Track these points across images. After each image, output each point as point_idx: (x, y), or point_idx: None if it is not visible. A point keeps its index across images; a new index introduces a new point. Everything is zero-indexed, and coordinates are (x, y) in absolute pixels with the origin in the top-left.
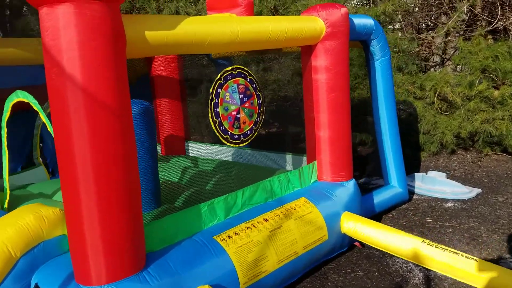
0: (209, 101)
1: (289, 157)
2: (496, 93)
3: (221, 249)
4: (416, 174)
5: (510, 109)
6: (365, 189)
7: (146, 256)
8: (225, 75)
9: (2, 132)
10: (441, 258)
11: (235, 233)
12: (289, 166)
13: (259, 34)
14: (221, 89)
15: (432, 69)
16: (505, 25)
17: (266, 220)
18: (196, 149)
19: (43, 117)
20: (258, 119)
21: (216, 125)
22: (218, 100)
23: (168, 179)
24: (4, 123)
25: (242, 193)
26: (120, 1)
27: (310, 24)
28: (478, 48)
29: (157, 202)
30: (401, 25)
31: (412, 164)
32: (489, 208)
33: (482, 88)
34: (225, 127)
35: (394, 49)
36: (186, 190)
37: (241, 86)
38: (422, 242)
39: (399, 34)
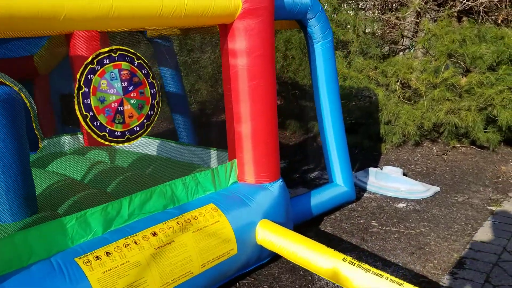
0: (76, 90)
1: (214, 153)
2: (463, 80)
3: (81, 274)
4: (370, 169)
5: (478, 98)
6: (315, 185)
7: None
8: (99, 58)
9: None
10: (361, 281)
11: (107, 252)
12: (214, 164)
13: (144, 9)
14: (94, 75)
15: (401, 53)
16: (473, 5)
17: (154, 234)
18: None
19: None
20: (152, 112)
21: (87, 120)
22: (89, 89)
23: (71, 177)
24: None
25: (130, 200)
26: None
27: None
28: (444, 31)
29: (29, 209)
30: (363, 5)
31: (371, 157)
32: (445, 210)
33: (448, 75)
34: (101, 122)
35: (354, 31)
36: (82, 192)
37: (125, 72)
38: (343, 260)
39: (356, 15)
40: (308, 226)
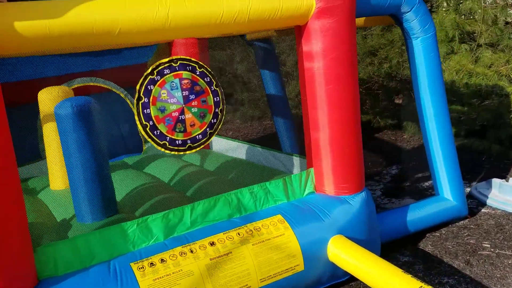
0: (135, 101)
1: (297, 160)
2: None
3: (133, 280)
4: (494, 180)
5: None
6: (426, 196)
7: (41, 282)
8: (159, 68)
9: None
10: None
11: (162, 259)
12: (297, 172)
13: (202, 17)
14: (154, 85)
15: None
16: None
17: (212, 243)
18: (219, 144)
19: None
20: (215, 120)
21: (147, 129)
22: (149, 99)
23: (160, 179)
24: None
25: (192, 208)
26: None
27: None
28: None
29: (108, 210)
30: None
31: (501, 165)
32: None
33: None
34: (161, 131)
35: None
36: (163, 195)
37: (186, 81)
38: None
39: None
40: (406, 242)
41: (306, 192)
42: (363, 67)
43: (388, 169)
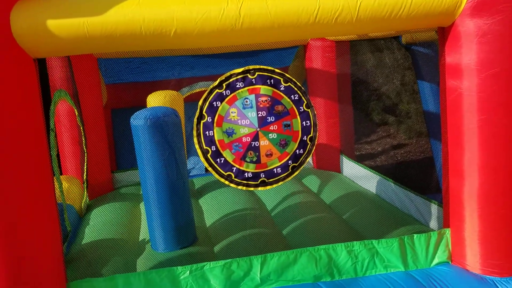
0: (196, 119)
1: (435, 209)
2: None
3: None
4: None
5: None
6: None
7: None
8: (230, 80)
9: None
10: None
11: None
12: (434, 225)
13: (287, 15)
14: (221, 102)
15: None
16: None
17: None
18: (351, 168)
19: None
20: (302, 151)
21: (208, 155)
22: (213, 118)
23: (263, 206)
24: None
25: (263, 260)
26: None
27: None
28: None
29: (183, 240)
30: None
31: None
32: None
33: None
34: (225, 159)
35: None
36: (254, 229)
37: (264, 99)
38: None
39: None
40: None
41: (436, 261)
42: None
43: None
